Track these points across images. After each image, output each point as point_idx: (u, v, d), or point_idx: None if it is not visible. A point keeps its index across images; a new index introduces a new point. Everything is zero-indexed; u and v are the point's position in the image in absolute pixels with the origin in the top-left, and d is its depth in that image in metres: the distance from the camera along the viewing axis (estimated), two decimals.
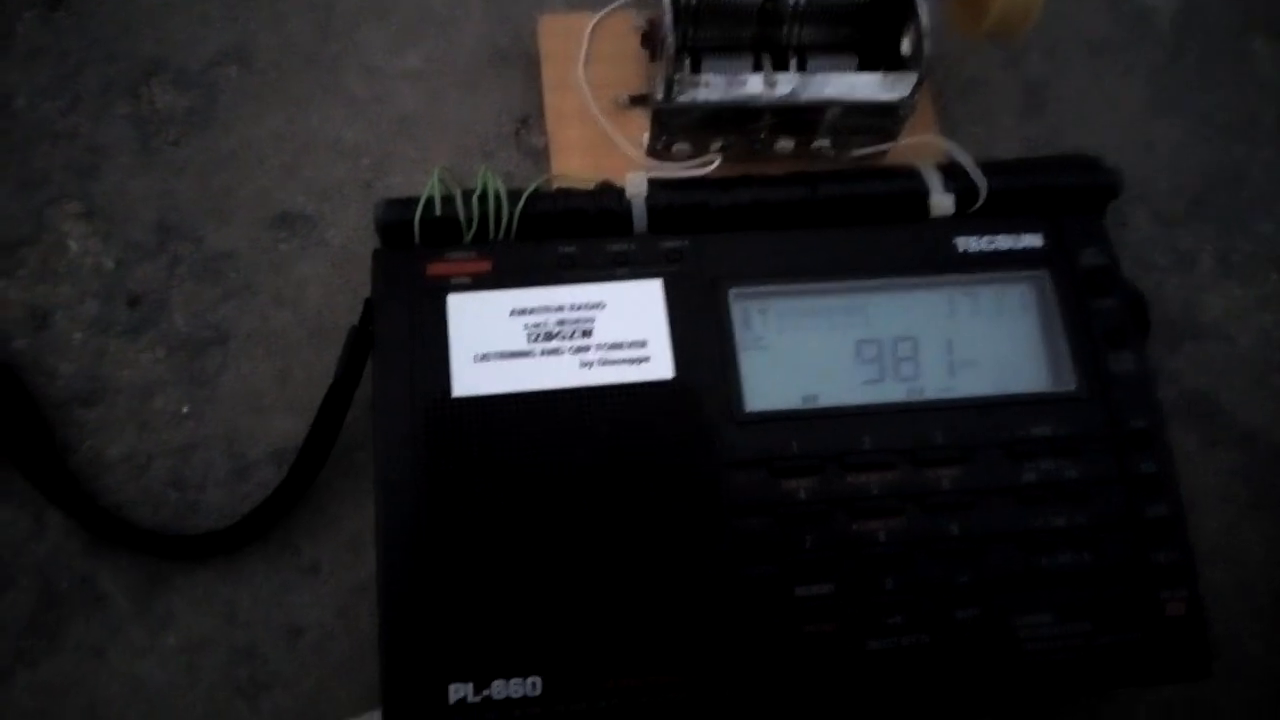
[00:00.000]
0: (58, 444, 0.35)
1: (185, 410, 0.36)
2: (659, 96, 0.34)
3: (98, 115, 0.38)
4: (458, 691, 0.28)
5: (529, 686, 0.28)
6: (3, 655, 0.33)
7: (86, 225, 0.37)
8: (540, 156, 0.39)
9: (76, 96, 0.38)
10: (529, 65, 0.40)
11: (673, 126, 0.35)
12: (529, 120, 0.40)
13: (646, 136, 0.37)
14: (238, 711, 0.33)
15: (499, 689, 0.28)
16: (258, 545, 0.34)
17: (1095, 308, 0.32)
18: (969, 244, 0.33)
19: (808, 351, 0.32)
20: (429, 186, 0.33)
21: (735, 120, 0.35)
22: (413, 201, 0.33)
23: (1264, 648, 0.36)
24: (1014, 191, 0.34)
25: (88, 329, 0.36)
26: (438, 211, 0.32)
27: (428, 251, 0.32)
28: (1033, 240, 0.33)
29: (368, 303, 0.34)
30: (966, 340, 0.32)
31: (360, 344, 0.34)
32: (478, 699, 0.28)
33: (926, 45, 0.34)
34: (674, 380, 0.31)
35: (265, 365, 0.36)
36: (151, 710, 0.33)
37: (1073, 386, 0.32)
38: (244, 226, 0.37)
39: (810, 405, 0.31)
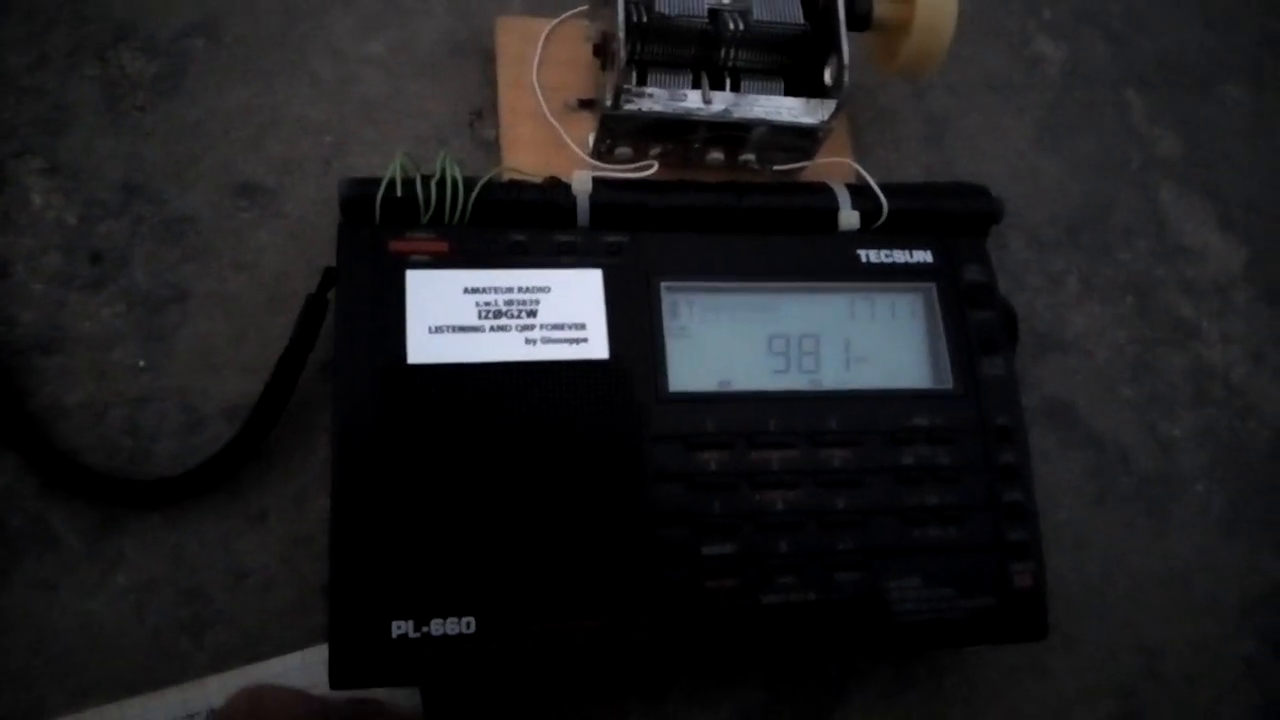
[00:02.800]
0: (16, 389, 0.36)
1: (142, 364, 0.37)
2: (607, 103, 0.37)
3: (65, 74, 0.39)
4: (399, 628, 0.31)
5: (464, 625, 0.31)
6: None
7: (50, 180, 0.38)
8: (491, 148, 0.42)
9: (44, 54, 0.40)
10: (485, 61, 0.43)
11: (617, 131, 0.39)
12: (482, 113, 0.43)
13: (592, 138, 0.40)
14: (183, 647, 0.35)
15: (436, 626, 0.31)
16: (208, 494, 0.36)
17: (973, 318, 0.37)
18: (869, 256, 0.38)
19: (725, 342, 0.36)
20: (392, 168, 0.35)
21: (673, 131, 0.39)
22: (375, 181, 0.35)
23: (1094, 621, 0.42)
24: (911, 212, 0.39)
25: (49, 281, 0.38)
26: (399, 192, 0.35)
27: (390, 229, 0.35)
28: (924, 256, 0.38)
29: (326, 272, 0.36)
30: (862, 340, 0.37)
31: (316, 310, 0.37)
32: (417, 635, 0.31)
33: (846, 76, 0.38)
34: (608, 361, 0.34)
35: (222, 326, 0.38)
36: (100, 644, 0.35)
37: (949, 385, 0.36)
38: (206, 193, 0.39)
39: (725, 389, 0.35)
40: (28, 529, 0.35)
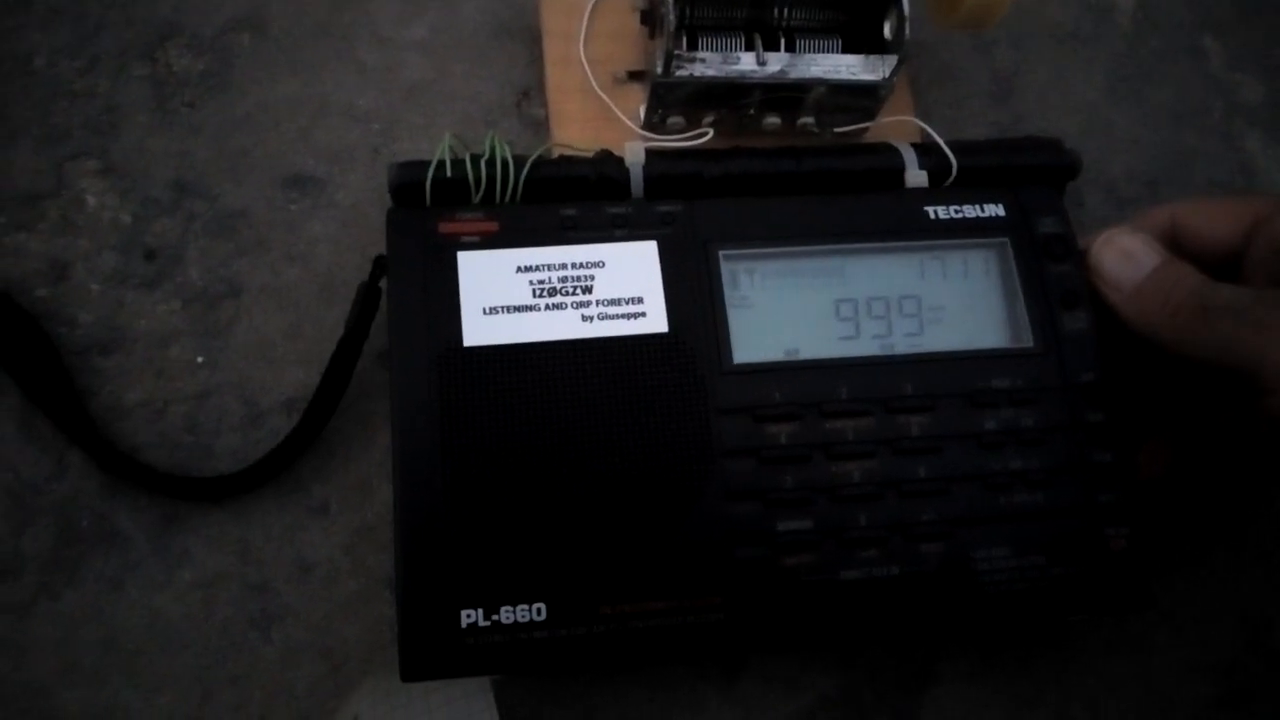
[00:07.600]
0: (78, 389, 0.36)
1: (200, 360, 0.37)
2: (658, 71, 0.36)
3: (115, 75, 0.40)
4: (469, 617, 0.30)
5: (534, 612, 0.31)
6: (25, 588, 0.35)
7: (104, 181, 0.39)
8: (540, 127, 0.41)
9: (95, 57, 0.40)
10: (531, 39, 0.42)
11: (669, 100, 0.37)
12: (530, 92, 0.42)
13: (643, 109, 0.39)
14: (251, 641, 0.35)
15: (506, 614, 0.30)
16: (270, 487, 0.36)
17: (1051, 272, 0.35)
18: (938, 213, 0.36)
19: (790, 309, 0.34)
20: (440, 150, 0.35)
21: (727, 96, 0.37)
22: (424, 164, 0.35)
23: (1192, 591, 0.39)
24: (981, 169, 0.37)
25: (106, 280, 0.38)
26: (448, 174, 0.34)
27: (439, 211, 0.34)
28: (995, 210, 0.36)
29: (378, 260, 0.36)
30: (934, 300, 0.35)
31: (370, 298, 0.36)
32: (487, 623, 0.30)
33: (907, 29, 0.36)
34: (668, 334, 0.33)
35: (277, 318, 0.38)
36: (169, 640, 0.35)
37: (1030, 343, 0.34)
38: (257, 186, 0.39)
39: (792, 358, 0.34)
40: (94, 528, 0.35)
